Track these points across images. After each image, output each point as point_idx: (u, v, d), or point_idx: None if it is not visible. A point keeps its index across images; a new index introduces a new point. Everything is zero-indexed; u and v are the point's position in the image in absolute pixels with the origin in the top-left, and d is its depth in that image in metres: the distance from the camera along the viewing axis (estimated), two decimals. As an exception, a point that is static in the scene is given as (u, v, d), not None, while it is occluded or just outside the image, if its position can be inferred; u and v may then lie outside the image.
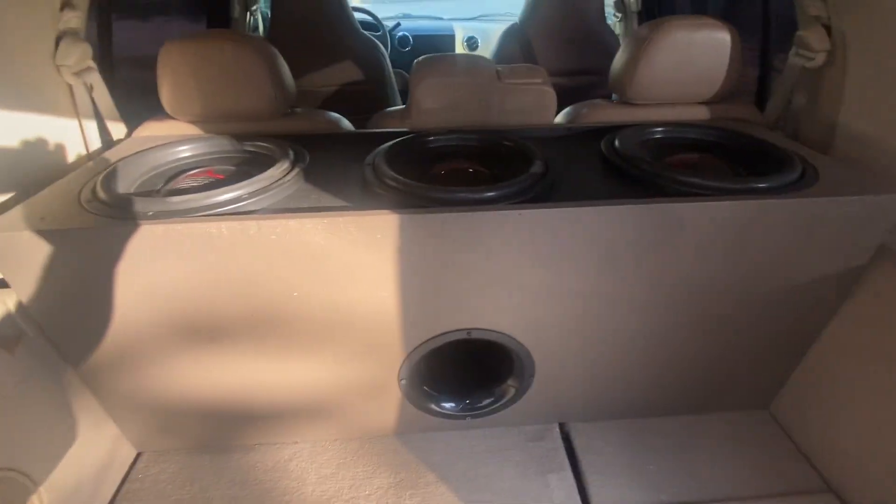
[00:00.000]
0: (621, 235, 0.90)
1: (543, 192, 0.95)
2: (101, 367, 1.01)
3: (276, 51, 1.24)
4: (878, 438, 1.00)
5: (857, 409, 1.06)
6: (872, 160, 1.16)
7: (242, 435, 1.20)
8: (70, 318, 0.94)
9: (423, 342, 1.03)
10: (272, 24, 2.16)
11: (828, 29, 1.23)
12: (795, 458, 1.17)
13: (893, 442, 0.97)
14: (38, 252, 0.83)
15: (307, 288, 0.91)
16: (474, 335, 1.03)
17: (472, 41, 3.55)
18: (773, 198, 0.89)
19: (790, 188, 0.92)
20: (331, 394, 1.12)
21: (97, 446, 1.10)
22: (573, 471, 1.15)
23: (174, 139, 1.14)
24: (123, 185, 0.97)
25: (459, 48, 3.53)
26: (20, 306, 0.93)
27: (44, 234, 0.81)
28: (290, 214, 0.84)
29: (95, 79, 1.23)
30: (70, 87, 1.19)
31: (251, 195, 0.90)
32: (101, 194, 0.89)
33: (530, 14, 2.27)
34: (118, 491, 1.10)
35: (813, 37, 1.23)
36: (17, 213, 0.86)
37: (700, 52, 1.24)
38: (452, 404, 1.18)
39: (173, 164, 1.08)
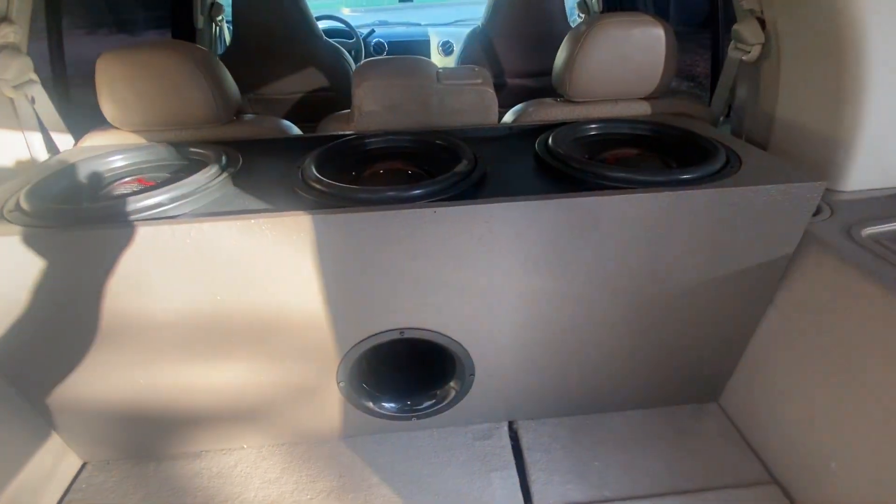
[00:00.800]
0: (540, 231, 0.90)
1: (470, 190, 0.95)
2: (37, 379, 1.01)
3: (216, 58, 1.26)
4: (815, 429, 1.00)
5: (796, 399, 1.05)
6: (805, 151, 1.17)
7: (189, 442, 1.20)
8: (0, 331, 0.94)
9: (357, 343, 1.03)
10: (234, 34, 2.19)
11: (762, 22, 1.24)
12: (742, 450, 1.17)
13: (829, 432, 0.97)
14: None
15: (230, 292, 0.91)
16: (407, 335, 1.03)
17: (448, 46, 3.58)
18: (690, 188, 0.89)
19: (709, 179, 0.93)
20: (272, 398, 1.12)
21: (40, 458, 1.09)
22: (517, 469, 1.14)
23: (111, 149, 1.15)
24: (51, 195, 0.97)
25: (434, 53, 3.56)
26: None
27: None
28: (204, 218, 0.85)
29: (38, 91, 1.25)
30: (11, 100, 1.21)
31: (173, 200, 0.91)
32: (24, 204, 0.90)
33: (492, 16, 2.29)
34: (60, 501, 1.10)
35: (747, 30, 1.24)
36: None
37: (635, 47, 1.25)
38: (394, 405, 1.18)
39: (107, 174, 1.09)
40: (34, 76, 1.24)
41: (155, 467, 1.18)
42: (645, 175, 0.94)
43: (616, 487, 1.09)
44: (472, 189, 0.96)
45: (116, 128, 1.28)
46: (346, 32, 3.23)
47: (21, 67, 1.18)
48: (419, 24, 4.04)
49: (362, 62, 1.32)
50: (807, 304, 1.02)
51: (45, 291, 0.89)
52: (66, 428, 1.12)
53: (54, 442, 1.13)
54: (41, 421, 1.10)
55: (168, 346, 0.99)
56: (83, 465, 1.19)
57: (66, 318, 0.93)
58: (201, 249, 0.85)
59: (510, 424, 1.26)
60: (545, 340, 1.09)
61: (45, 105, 1.27)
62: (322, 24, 2.81)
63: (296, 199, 0.93)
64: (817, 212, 1.06)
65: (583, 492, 1.08)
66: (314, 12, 2.34)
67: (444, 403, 1.17)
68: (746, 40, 1.25)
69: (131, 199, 0.89)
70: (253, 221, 0.83)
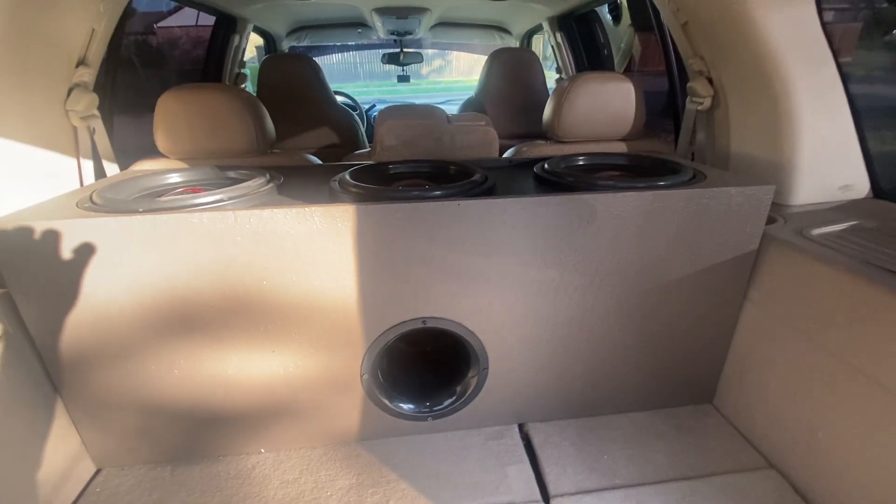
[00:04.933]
0: (546, 225, 1.07)
1: (483, 195, 1.12)
2: (74, 365, 1.06)
3: (258, 100, 1.47)
4: (797, 404, 1.10)
5: (779, 383, 1.16)
6: (754, 172, 1.40)
7: (205, 447, 1.21)
8: (53, 313, 1.01)
9: (383, 333, 1.13)
10: (258, 96, 2.46)
11: (710, 80, 1.54)
12: (739, 442, 1.24)
13: (810, 405, 1.07)
14: (31, 247, 0.94)
15: (276, 276, 1.02)
16: (429, 324, 1.13)
17: None
18: (667, 190, 1.09)
19: (681, 185, 1.13)
20: (295, 393, 1.17)
21: (58, 457, 1.10)
22: (531, 463, 1.19)
23: (165, 170, 1.30)
24: (122, 195, 1.10)
25: None
26: (7, 304, 1.00)
27: (38, 228, 0.93)
28: (263, 207, 0.98)
29: (98, 125, 1.42)
30: (75, 129, 1.38)
31: (230, 199, 1.05)
32: (97, 199, 1.03)
33: (484, 86, 2.65)
34: (75, 502, 1.09)
35: (699, 86, 1.54)
36: (13, 216, 0.98)
37: (608, 98, 1.53)
38: (412, 406, 1.24)
39: (162, 186, 1.23)
40: (97, 112, 1.42)
41: (171, 471, 1.18)
42: (629, 182, 1.13)
43: (625, 476, 1.14)
44: (486, 194, 1.13)
45: (164, 156, 1.44)
46: (351, 106, 3.62)
47: (89, 103, 1.37)
48: (412, 103, 4.53)
49: (383, 108, 1.56)
50: (775, 294, 1.18)
51: (104, 275, 0.98)
52: (88, 426, 1.14)
53: (73, 443, 1.14)
54: (66, 419, 1.12)
55: (209, 335, 1.06)
56: (97, 471, 1.18)
57: (120, 303, 1.01)
58: (257, 234, 0.98)
59: (520, 427, 1.31)
60: (549, 336, 1.20)
61: (101, 136, 1.44)
62: None
63: (337, 198, 1.09)
64: (773, 221, 1.26)
65: (595, 481, 1.13)
66: None
67: (461, 400, 1.23)
68: (699, 94, 1.54)
69: (196, 195, 1.02)
70: (306, 210, 0.98)
